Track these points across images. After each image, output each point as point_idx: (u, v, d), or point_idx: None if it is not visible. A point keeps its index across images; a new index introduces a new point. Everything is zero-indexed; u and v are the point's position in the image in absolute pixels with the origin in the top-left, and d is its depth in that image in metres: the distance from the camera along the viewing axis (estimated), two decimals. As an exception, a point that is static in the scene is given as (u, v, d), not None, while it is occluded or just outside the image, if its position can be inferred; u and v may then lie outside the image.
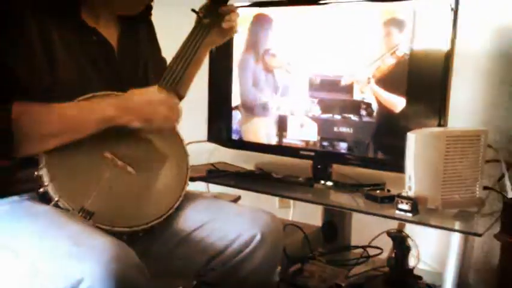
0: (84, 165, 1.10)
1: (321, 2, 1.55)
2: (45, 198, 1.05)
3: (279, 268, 1.49)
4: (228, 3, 1.31)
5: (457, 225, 1.27)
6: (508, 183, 1.30)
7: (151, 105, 1.12)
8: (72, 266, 0.88)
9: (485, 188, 1.34)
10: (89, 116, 1.08)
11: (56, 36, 1.09)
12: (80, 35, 1.13)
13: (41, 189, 1.04)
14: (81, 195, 1.06)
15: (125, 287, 0.88)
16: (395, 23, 1.41)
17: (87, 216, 1.04)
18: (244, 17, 1.63)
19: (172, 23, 1.50)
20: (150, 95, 1.14)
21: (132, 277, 0.90)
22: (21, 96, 1.03)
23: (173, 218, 1.19)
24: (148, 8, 1.27)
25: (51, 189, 1.03)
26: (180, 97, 1.41)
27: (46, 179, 1.04)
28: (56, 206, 1.04)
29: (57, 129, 1.05)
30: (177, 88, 1.21)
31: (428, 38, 1.37)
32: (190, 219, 1.20)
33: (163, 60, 1.39)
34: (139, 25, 1.28)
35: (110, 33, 1.20)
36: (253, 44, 1.65)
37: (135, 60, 1.26)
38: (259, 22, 1.63)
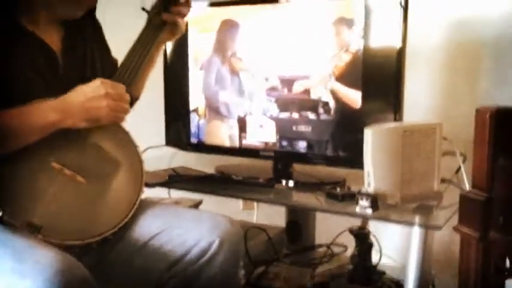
0: (30, 178, 1.05)
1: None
2: (-12, 214, 1.00)
3: (243, 272, 1.48)
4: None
5: (417, 219, 1.27)
6: (464, 175, 1.31)
7: (95, 100, 1.08)
8: (15, 284, 0.84)
9: (442, 180, 1.35)
10: (30, 122, 1.03)
11: None
12: (19, 40, 1.09)
13: (-17, 204, 0.99)
14: (28, 209, 1.02)
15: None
16: (347, 20, 1.41)
17: (34, 231, 1.00)
18: (206, 19, 1.62)
19: (123, 23, 1.47)
20: (90, 90, 1.09)
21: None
22: None
23: (129, 226, 1.16)
24: (92, 10, 1.23)
25: (-7, 204, 0.99)
26: (134, 99, 1.38)
27: (-13, 194, 0.99)
28: (1, 221, 0.99)
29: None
30: (130, 88, 1.18)
31: (380, 34, 1.37)
32: (147, 227, 1.17)
33: (114, 61, 1.36)
34: (84, 26, 1.24)
35: (51, 37, 1.16)
36: (220, 47, 1.62)
37: (81, 64, 1.22)
38: (226, 26, 1.60)
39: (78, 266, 0.90)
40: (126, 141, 1.21)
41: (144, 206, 1.20)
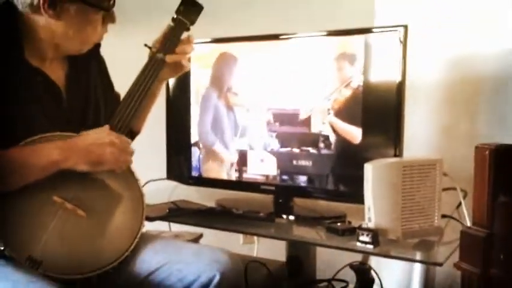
0: (32, 211, 1.06)
1: (275, 36, 1.56)
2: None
3: (243, 307, 1.46)
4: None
5: (418, 255, 1.27)
6: (465, 211, 1.31)
7: (99, 147, 1.10)
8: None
9: (443, 216, 1.35)
10: (33, 161, 1.05)
11: None
12: (23, 76, 1.11)
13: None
14: (29, 243, 1.02)
15: None
16: (348, 56, 1.43)
17: (34, 265, 1.00)
18: (208, 54, 1.65)
19: (126, 56, 1.49)
20: (98, 136, 1.11)
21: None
22: None
23: (129, 261, 1.15)
24: (97, 46, 1.25)
25: (-5, 238, 0.99)
26: (135, 133, 1.39)
27: (-11, 228, 0.99)
28: (2, 255, 0.99)
29: (1, 177, 1.01)
30: (130, 125, 1.19)
31: (380, 70, 1.40)
32: (147, 262, 1.17)
33: (116, 95, 1.38)
34: (88, 62, 1.26)
35: (56, 73, 1.18)
36: (216, 81, 1.64)
37: (85, 99, 1.24)
38: (223, 59, 1.63)
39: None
40: (127, 175, 1.22)
41: (144, 240, 1.20)
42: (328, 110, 1.47)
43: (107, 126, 1.14)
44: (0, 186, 1.02)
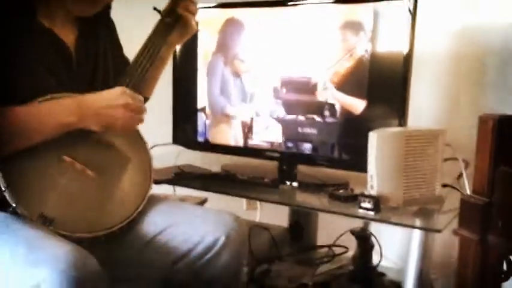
0: (42, 170, 1.08)
1: (282, 3, 1.56)
2: (2, 205, 1.03)
3: (246, 269, 1.50)
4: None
5: (417, 222, 1.29)
6: (466, 181, 1.33)
7: (111, 108, 1.11)
8: (29, 273, 0.87)
9: (444, 185, 1.37)
10: (46, 121, 1.06)
11: (10, 37, 1.07)
12: (35, 36, 1.12)
13: (-2, 196, 1.02)
14: (40, 201, 1.05)
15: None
16: (356, 24, 1.43)
17: (46, 222, 1.03)
18: (215, 20, 1.64)
19: (135, 21, 1.49)
20: (110, 98, 1.12)
21: (92, 284, 0.89)
22: None
23: (136, 222, 1.18)
24: (107, 7, 1.25)
25: (8, 196, 1.02)
26: (145, 98, 1.40)
27: (3, 185, 1.02)
28: (14, 212, 1.02)
29: (11, 136, 1.03)
30: (140, 88, 1.20)
31: (388, 40, 1.40)
32: (154, 223, 1.20)
33: (125, 59, 1.38)
34: (98, 25, 1.27)
35: (67, 34, 1.19)
36: (223, 48, 1.65)
37: (95, 61, 1.25)
38: (229, 26, 1.63)
39: (91, 258, 0.92)
40: (136, 138, 1.24)
41: (151, 201, 1.22)
42: (337, 78, 1.48)
43: (118, 88, 1.14)
44: (10, 146, 1.03)
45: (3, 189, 1.02)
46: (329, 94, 1.50)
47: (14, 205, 1.02)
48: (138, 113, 1.15)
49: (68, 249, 0.91)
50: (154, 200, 1.24)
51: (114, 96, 1.12)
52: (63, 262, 0.87)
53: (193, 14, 1.31)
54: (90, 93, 1.12)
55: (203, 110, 1.73)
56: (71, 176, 1.10)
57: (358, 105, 1.46)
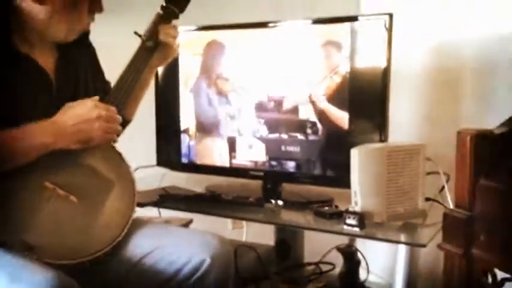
0: (24, 197, 1.07)
1: (263, 24, 1.58)
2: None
3: (233, 290, 1.49)
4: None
5: (402, 237, 1.31)
6: (448, 194, 1.35)
7: (85, 123, 1.11)
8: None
9: (427, 199, 1.39)
10: (22, 144, 1.05)
11: None
12: (12, 63, 1.11)
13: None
14: (20, 228, 1.04)
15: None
16: (334, 43, 1.46)
17: (26, 249, 1.02)
18: (196, 42, 1.66)
19: (117, 45, 1.49)
20: (83, 113, 1.12)
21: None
22: None
23: (121, 245, 1.17)
24: (86, 34, 1.26)
25: (-12, 226, 1.00)
26: (127, 121, 1.41)
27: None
28: (-5, 241, 1.01)
29: None
30: (122, 111, 1.20)
31: (366, 57, 1.42)
32: (139, 246, 1.19)
33: (107, 83, 1.39)
34: (78, 49, 1.27)
35: (46, 60, 1.19)
36: (206, 69, 1.66)
37: (75, 86, 1.25)
38: (212, 48, 1.65)
39: (73, 284, 0.91)
40: (119, 161, 1.23)
41: (136, 225, 1.22)
42: (317, 96, 1.50)
43: (94, 98, 1.14)
44: None
45: (-17, 217, 1.00)
46: (310, 112, 1.51)
47: (-6, 234, 1.00)
48: (112, 123, 1.15)
49: (50, 278, 0.89)
50: (139, 223, 1.24)
51: (86, 111, 1.12)
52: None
53: (175, 37, 1.32)
54: (63, 112, 1.11)
55: (186, 131, 1.73)
56: (53, 202, 1.09)
57: (339, 121, 1.47)
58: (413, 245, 1.29)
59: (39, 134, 1.07)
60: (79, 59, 1.28)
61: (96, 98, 1.16)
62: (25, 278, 0.90)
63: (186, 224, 1.77)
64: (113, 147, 1.21)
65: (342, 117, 1.46)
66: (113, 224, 1.16)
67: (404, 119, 1.64)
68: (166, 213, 1.71)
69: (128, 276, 1.17)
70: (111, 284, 1.17)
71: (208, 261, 1.14)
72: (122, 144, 1.24)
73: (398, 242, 1.28)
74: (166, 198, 1.62)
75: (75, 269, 1.06)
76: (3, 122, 1.06)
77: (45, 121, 1.10)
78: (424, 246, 1.22)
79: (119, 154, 1.23)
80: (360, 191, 1.30)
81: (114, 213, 1.18)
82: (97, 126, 1.12)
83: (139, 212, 1.25)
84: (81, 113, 1.12)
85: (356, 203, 1.31)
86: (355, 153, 1.30)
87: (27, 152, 1.06)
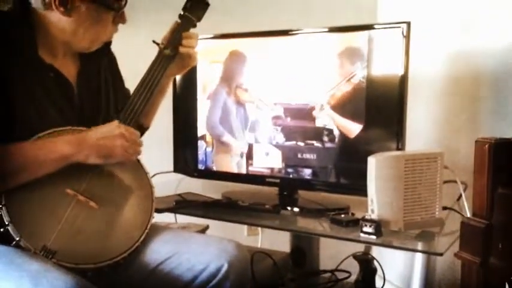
0: (45, 203, 1.09)
1: (282, 32, 1.59)
2: (5, 239, 1.03)
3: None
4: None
5: (419, 245, 1.30)
6: (465, 203, 1.34)
7: (109, 139, 1.13)
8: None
9: (444, 208, 1.38)
10: (45, 155, 1.08)
11: (12, 74, 1.09)
12: (37, 72, 1.14)
13: (1, 230, 1.03)
14: (43, 234, 1.06)
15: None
16: (352, 51, 1.46)
17: (49, 255, 1.03)
18: (215, 50, 1.68)
19: (135, 53, 1.52)
20: (106, 130, 1.14)
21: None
22: None
23: (139, 251, 1.18)
24: (108, 44, 1.28)
25: (11, 230, 1.02)
26: (144, 128, 1.42)
27: (6, 219, 1.03)
28: (17, 246, 1.03)
29: (13, 170, 1.05)
30: (139, 120, 1.22)
31: (383, 66, 1.43)
32: (157, 252, 1.20)
33: (126, 91, 1.41)
34: (99, 58, 1.29)
35: (68, 69, 1.21)
36: (226, 78, 1.68)
37: (96, 95, 1.27)
38: (233, 58, 1.66)
39: (92, 289, 0.93)
40: (137, 168, 1.25)
41: (153, 231, 1.23)
42: (332, 104, 1.50)
43: (115, 121, 1.17)
44: (13, 181, 1.05)
45: (6, 223, 1.02)
46: (327, 120, 1.52)
47: (17, 239, 1.02)
48: (134, 144, 1.17)
49: (70, 282, 0.91)
50: (156, 229, 1.25)
51: (109, 129, 1.15)
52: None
53: (194, 47, 1.33)
54: (87, 129, 1.14)
55: (203, 137, 1.75)
56: (74, 209, 1.11)
57: (356, 129, 1.47)
58: (430, 254, 1.28)
59: (61, 145, 1.10)
60: (100, 68, 1.30)
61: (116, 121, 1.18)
62: (46, 282, 0.91)
63: (202, 230, 1.78)
64: None
65: (358, 125, 1.47)
66: (131, 230, 1.18)
67: (421, 127, 1.64)
68: (183, 219, 1.72)
69: (145, 282, 1.18)
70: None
71: (225, 267, 1.15)
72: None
73: (415, 251, 1.28)
74: (182, 205, 1.63)
75: (94, 274, 1.08)
76: (27, 131, 1.09)
77: (71, 135, 1.12)
78: (441, 254, 1.22)
79: (138, 161, 1.25)
80: (377, 199, 1.30)
81: (133, 219, 1.19)
82: (119, 143, 1.14)
83: (156, 218, 1.27)
84: (104, 130, 1.15)
85: (373, 211, 1.31)
86: (372, 161, 1.30)
87: (49, 163, 1.08)
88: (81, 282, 0.92)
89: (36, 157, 1.08)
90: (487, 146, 1.04)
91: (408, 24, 1.37)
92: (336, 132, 1.51)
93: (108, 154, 1.14)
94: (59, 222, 1.08)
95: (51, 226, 1.07)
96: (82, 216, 1.12)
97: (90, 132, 1.14)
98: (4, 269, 0.98)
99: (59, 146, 1.09)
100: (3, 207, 1.03)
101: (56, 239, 1.06)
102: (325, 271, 1.74)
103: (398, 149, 1.41)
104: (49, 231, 1.07)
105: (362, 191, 1.34)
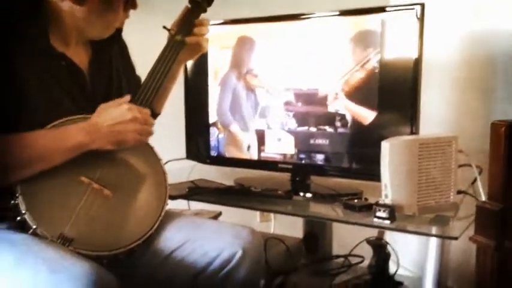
0: (61, 192, 1.09)
1: (292, 16, 1.57)
2: (22, 227, 1.04)
3: (263, 281, 1.51)
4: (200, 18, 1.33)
5: (433, 229, 1.29)
6: (480, 187, 1.33)
7: (120, 124, 1.13)
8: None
9: (459, 192, 1.37)
10: (59, 144, 1.08)
11: (23, 63, 1.09)
12: (48, 61, 1.14)
13: (18, 218, 1.04)
14: (59, 222, 1.06)
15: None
16: (365, 35, 1.44)
17: (66, 242, 1.04)
18: (225, 36, 1.67)
19: (146, 39, 1.51)
20: (118, 115, 1.14)
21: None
22: None
23: (153, 238, 1.19)
24: (119, 30, 1.28)
25: (28, 218, 1.03)
26: (156, 114, 1.43)
27: (23, 208, 1.03)
28: (34, 234, 1.04)
29: (29, 159, 1.05)
30: (152, 106, 1.22)
31: (397, 49, 1.41)
32: (171, 239, 1.20)
33: (138, 78, 1.41)
34: (111, 46, 1.29)
35: (80, 58, 1.21)
36: (236, 64, 1.67)
37: (108, 82, 1.27)
38: (242, 44, 1.65)
39: (111, 278, 0.93)
40: (150, 155, 1.25)
41: (167, 217, 1.23)
42: (347, 89, 1.49)
43: (127, 97, 1.17)
44: (29, 170, 1.05)
45: (23, 212, 1.03)
46: (340, 105, 1.51)
47: (34, 227, 1.03)
48: (146, 125, 1.17)
49: (88, 269, 0.92)
50: (170, 216, 1.25)
51: (121, 113, 1.14)
52: (85, 282, 0.88)
53: (205, 35, 1.33)
54: (98, 113, 1.14)
55: (215, 124, 1.74)
56: (89, 196, 1.12)
57: (369, 114, 1.46)
58: (444, 238, 1.27)
59: (74, 135, 1.10)
60: (112, 55, 1.30)
61: (128, 97, 1.18)
62: (63, 270, 0.92)
63: (215, 216, 1.79)
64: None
65: (371, 110, 1.45)
66: (146, 217, 1.18)
67: (435, 111, 1.62)
68: (196, 205, 1.73)
69: (159, 268, 1.19)
70: (143, 276, 1.19)
71: (240, 253, 1.15)
72: (152, 138, 1.26)
73: (429, 235, 1.27)
74: (195, 191, 1.64)
75: (110, 261, 1.09)
76: (40, 120, 1.09)
77: (83, 122, 1.12)
78: (455, 238, 1.21)
79: (151, 148, 1.25)
80: (390, 184, 1.29)
81: (147, 206, 1.20)
82: (131, 128, 1.14)
83: (170, 205, 1.27)
84: (116, 115, 1.14)
85: (386, 196, 1.31)
86: (386, 146, 1.29)
87: (65, 152, 1.09)
88: (98, 269, 0.93)
89: (51, 146, 1.08)
90: (503, 128, 1.03)
91: (422, 5, 1.35)
92: (349, 117, 1.50)
93: (122, 139, 1.14)
94: (75, 210, 1.09)
95: (67, 214, 1.08)
96: (97, 204, 1.12)
97: (102, 118, 1.13)
98: (21, 257, 0.99)
99: (74, 134, 1.10)
100: (20, 196, 1.04)
101: (72, 227, 1.07)
102: (338, 256, 1.74)
103: (412, 133, 1.39)
104: (65, 219, 1.07)
105: (375, 176, 1.34)
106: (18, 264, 0.97)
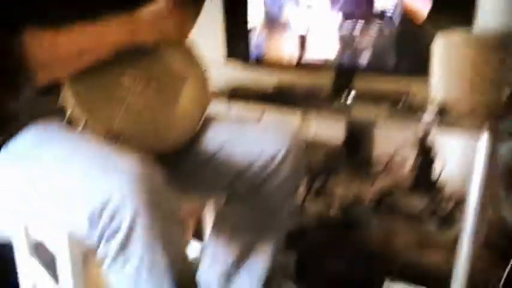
0: (106, 89, 1.09)
1: None
2: (71, 124, 1.05)
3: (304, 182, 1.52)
4: None
5: (484, 129, 1.24)
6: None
7: (162, 17, 1.11)
8: (101, 185, 0.89)
9: (512, 92, 1.30)
10: (102, 39, 1.06)
11: None
12: None
13: (68, 114, 1.04)
14: (107, 118, 1.06)
15: (154, 203, 0.89)
16: None
17: (114, 138, 1.05)
18: None
19: None
20: (159, 8, 1.11)
21: (161, 192, 0.91)
22: (31, 19, 1.00)
23: (197, 138, 1.19)
24: None
25: (77, 114, 1.03)
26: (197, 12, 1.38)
27: (71, 104, 1.03)
28: (84, 130, 1.04)
29: (75, 54, 1.04)
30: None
31: None
32: (214, 139, 1.20)
33: None
34: None
35: None
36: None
37: None
38: None
39: (160, 170, 0.94)
40: (191, 55, 1.23)
41: (209, 119, 1.23)
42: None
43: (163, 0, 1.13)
44: (75, 64, 1.04)
45: (71, 108, 1.03)
46: (388, 1, 1.42)
47: (83, 122, 1.03)
48: (186, 21, 1.15)
49: (138, 161, 0.92)
50: (211, 119, 1.25)
51: (160, 7, 1.12)
52: (135, 172, 0.88)
53: None
54: (138, 11, 1.11)
55: (255, 27, 1.68)
56: (134, 94, 1.11)
57: (418, 8, 1.37)
58: (495, 138, 1.23)
59: (117, 30, 1.07)
60: None
61: None
62: (114, 164, 0.92)
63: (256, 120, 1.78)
64: (186, 43, 1.21)
65: (421, 2, 1.36)
66: (189, 116, 1.18)
67: (492, 3, 1.51)
68: (236, 109, 1.72)
69: (204, 167, 1.19)
70: (187, 176, 1.20)
71: (283, 151, 1.14)
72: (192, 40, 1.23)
73: (479, 134, 1.22)
74: (235, 94, 1.62)
75: (156, 159, 1.10)
76: (81, 15, 1.06)
77: (124, 17, 1.09)
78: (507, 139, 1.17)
79: (192, 49, 1.22)
80: (441, 81, 1.23)
81: (190, 105, 1.19)
82: (171, 20, 1.12)
83: (210, 109, 1.26)
84: (156, 8, 1.11)
85: (435, 95, 1.25)
86: (438, 42, 1.22)
87: (105, 46, 1.07)
88: (148, 161, 0.93)
89: (93, 42, 1.06)
90: None
91: None
92: (396, 15, 1.41)
93: (165, 33, 1.12)
94: (121, 107, 1.09)
95: (114, 111, 1.08)
96: (142, 101, 1.11)
97: (142, 13, 1.11)
98: (71, 153, 1.00)
99: (116, 30, 1.07)
100: (68, 92, 1.04)
101: (119, 124, 1.07)
102: (379, 159, 1.72)
103: (467, 29, 1.30)
104: (112, 116, 1.07)
105: (423, 74, 1.28)
106: (68, 161, 0.99)
